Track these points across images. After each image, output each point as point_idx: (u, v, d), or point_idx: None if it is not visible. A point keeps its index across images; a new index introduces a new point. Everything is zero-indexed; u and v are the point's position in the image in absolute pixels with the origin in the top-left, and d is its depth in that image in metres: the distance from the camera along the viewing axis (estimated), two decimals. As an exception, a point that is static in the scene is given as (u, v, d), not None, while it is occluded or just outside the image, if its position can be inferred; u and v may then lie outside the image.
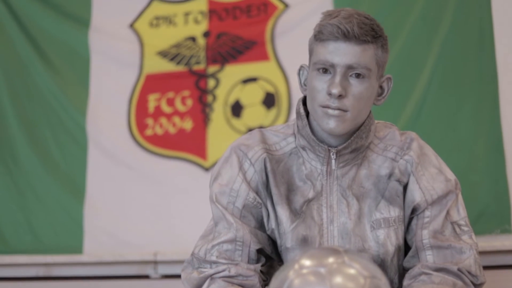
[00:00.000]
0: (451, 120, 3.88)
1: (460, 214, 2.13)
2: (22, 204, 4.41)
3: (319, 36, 1.99)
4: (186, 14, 4.41)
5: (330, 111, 1.98)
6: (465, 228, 2.12)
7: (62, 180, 4.39)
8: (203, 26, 4.38)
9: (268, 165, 2.10)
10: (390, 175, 2.11)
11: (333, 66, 1.97)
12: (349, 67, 1.97)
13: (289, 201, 2.09)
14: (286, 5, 4.27)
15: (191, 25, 4.40)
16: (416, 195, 2.10)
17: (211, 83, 4.31)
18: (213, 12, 4.37)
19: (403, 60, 3.95)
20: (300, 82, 2.14)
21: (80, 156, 4.40)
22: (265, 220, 2.11)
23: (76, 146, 4.40)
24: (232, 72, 4.29)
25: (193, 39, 4.38)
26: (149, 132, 4.35)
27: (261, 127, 4.10)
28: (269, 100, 4.21)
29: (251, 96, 4.24)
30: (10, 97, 4.51)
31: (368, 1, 4.09)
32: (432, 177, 2.12)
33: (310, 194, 2.09)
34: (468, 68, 3.90)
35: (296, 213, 2.09)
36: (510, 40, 3.91)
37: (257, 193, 2.10)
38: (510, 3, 3.94)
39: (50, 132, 4.44)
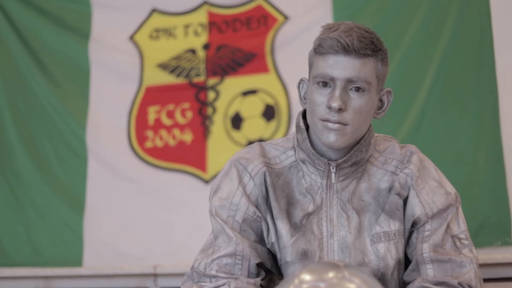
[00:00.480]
0: (451, 132, 3.87)
1: (460, 227, 2.12)
2: (22, 216, 4.41)
3: (319, 49, 1.99)
4: (186, 27, 4.42)
5: (330, 125, 1.97)
6: (466, 242, 2.11)
7: (62, 193, 4.39)
8: (203, 38, 4.38)
9: (268, 178, 2.10)
10: (390, 189, 2.10)
11: (333, 79, 1.97)
12: (349, 81, 1.97)
13: (289, 214, 2.09)
14: (286, 18, 4.27)
15: (191, 37, 4.40)
16: (416, 208, 2.09)
17: (211, 95, 4.31)
18: (213, 25, 4.37)
19: (403, 72, 3.95)
20: (300, 96, 2.13)
21: (80, 169, 4.39)
22: (265, 234, 2.10)
23: (76, 159, 4.40)
24: (232, 84, 4.29)
25: (193, 51, 4.38)
26: (149, 144, 4.34)
27: (261, 139, 4.11)
28: (269, 112, 4.21)
29: (251, 108, 4.24)
30: (10, 109, 4.51)
31: (368, 13, 4.10)
32: (432, 191, 2.11)
33: (310, 208, 2.09)
34: (468, 80, 3.90)
35: (296, 227, 2.08)
36: (510, 52, 3.91)
37: (257, 207, 2.09)
38: (510, 16, 3.94)
39: (50, 144, 4.44)
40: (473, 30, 3.93)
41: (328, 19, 4.10)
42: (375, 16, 4.09)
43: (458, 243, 2.10)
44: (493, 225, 3.77)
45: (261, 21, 4.31)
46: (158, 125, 4.36)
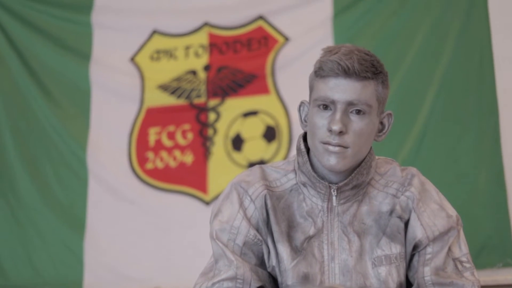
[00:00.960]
0: (452, 153, 3.87)
1: (462, 250, 2.11)
2: (22, 238, 4.40)
3: (320, 72, 1.99)
4: (187, 48, 4.43)
5: (331, 148, 1.97)
6: (467, 265, 2.10)
7: (63, 214, 4.38)
8: (204, 59, 4.39)
9: (268, 202, 2.09)
10: (391, 212, 2.09)
11: (333, 102, 1.97)
12: (350, 104, 1.96)
13: (289, 238, 2.08)
14: (287, 39, 4.28)
15: (191, 58, 4.41)
16: (417, 231, 2.08)
17: (211, 116, 4.32)
18: (214, 46, 4.38)
19: (404, 93, 3.96)
20: (301, 118, 2.13)
21: (81, 190, 4.39)
22: (265, 257, 2.09)
23: (76, 180, 4.40)
24: (233, 106, 4.30)
25: (193, 72, 4.39)
26: (149, 165, 4.34)
27: (262, 160, 4.10)
28: (270, 134, 4.21)
29: (252, 130, 4.24)
30: (10, 130, 4.51)
31: (368, 34, 4.11)
32: (433, 213, 2.10)
33: (311, 231, 2.08)
34: (468, 100, 3.91)
35: (297, 250, 2.07)
36: (510, 73, 3.92)
37: (257, 230, 2.09)
38: (510, 36, 3.95)
39: (51, 165, 4.44)
40: (473, 50, 3.95)
41: (329, 40, 4.11)
42: (376, 37, 4.10)
43: (459, 266, 2.09)
44: (495, 246, 3.77)
45: (262, 42, 4.32)
46: (158, 146, 4.36)
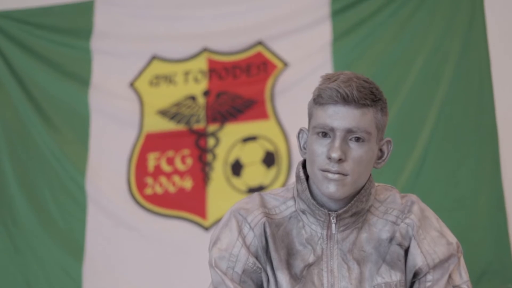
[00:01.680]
0: (452, 178, 3.87)
1: (462, 278, 2.11)
2: (21, 264, 4.38)
3: (318, 99, 1.99)
4: (186, 73, 4.43)
5: (330, 175, 1.97)
6: (468, 292, 2.10)
7: (61, 240, 4.37)
8: (203, 85, 4.40)
9: (267, 229, 2.09)
10: (391, 239, 2.09)
11: (332, 130, 1.97)
12: (349, 131, 1.96)
13: (289, 265, 2.07)
14: (286, 64, 4.29)
15: (191, 84, 4.42)
16: (417, 259, 2.08)
17: (211, 142, 4.32)
18: (213, 71, 4.39)
19: (404, 119, 3.96)
20: (300, 146, 2.13)
21: (80, 216, 4.38)
22: (265, 285, 2.09)
23: (75, 206, 4.39)
24: (232, 131, 4.30)
25: (193, 98, 4.39)
26: (148, 191, 4.34)
27: (261, 186, 4.10)
28: (269, 159, 4.21)
29: (251, 155, 4.24)
30: (9, 156, 4.51)
31: (367, 60, 4.12)
32: (433, 241, 2.10)
33: (311, 259, 2.07)
34: (468, 126, 3.91)
35: (296, 278, 2.06)
36: (509, 98, 3.93)
37: (256, 257, 2.08)
38: (509, 61, 3.96)
39: (50, 191, 4.43)
40: (472, 75, 3.96)
41: (328, 65, 4.12)
42: (375, 62, 4.11)
43: (460, 294, 2.09)
44: (495, 272, 3.76)
45: (261, 68, 4.33)
46: (158, 172, 4.36)
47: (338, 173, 1.96)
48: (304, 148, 2.12)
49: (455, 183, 3.88)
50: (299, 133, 2.14)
